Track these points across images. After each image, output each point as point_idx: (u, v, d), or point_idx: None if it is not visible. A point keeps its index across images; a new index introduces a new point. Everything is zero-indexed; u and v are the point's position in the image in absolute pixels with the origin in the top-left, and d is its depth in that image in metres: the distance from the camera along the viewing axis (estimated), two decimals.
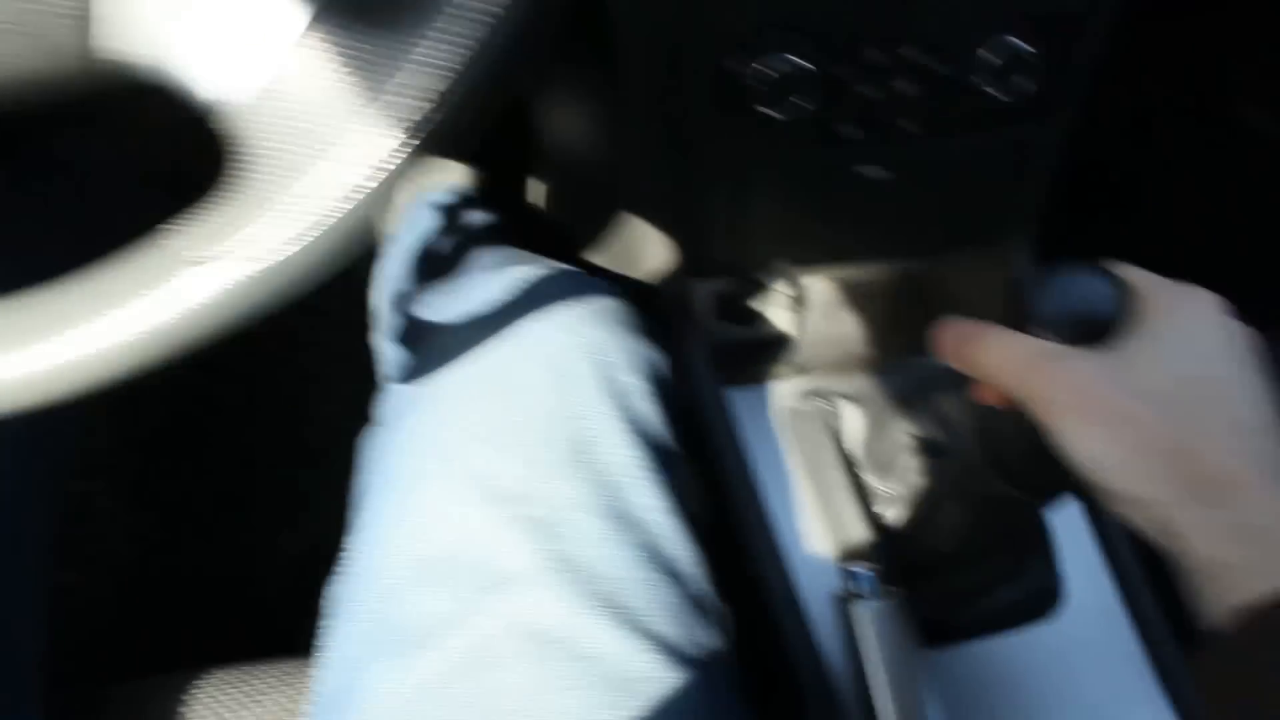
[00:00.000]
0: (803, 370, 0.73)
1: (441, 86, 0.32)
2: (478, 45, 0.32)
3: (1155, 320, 0.37)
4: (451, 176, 1.00)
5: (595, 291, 0.56)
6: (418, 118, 0.32)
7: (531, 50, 0.34)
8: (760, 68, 0.57)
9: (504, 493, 0.45)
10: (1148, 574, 0.64)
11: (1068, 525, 0.65)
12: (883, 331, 0.79)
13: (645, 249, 0.68)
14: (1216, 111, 1.22)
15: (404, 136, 0.32)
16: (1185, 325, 0.37)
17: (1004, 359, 0.40)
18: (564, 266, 0.66)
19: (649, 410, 0.51)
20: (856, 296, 0.81)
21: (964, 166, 0.66)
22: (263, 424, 0.86)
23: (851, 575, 0.54)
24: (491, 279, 0.58)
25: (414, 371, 0.54)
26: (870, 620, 0.52)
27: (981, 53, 0.58)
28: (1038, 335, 0.40)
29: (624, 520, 0.45)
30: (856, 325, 0.79)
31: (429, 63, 0.32)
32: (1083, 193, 1.20)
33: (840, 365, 0.72)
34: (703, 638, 0.46)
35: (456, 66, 0.32)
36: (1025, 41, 0.58)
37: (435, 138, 0.33)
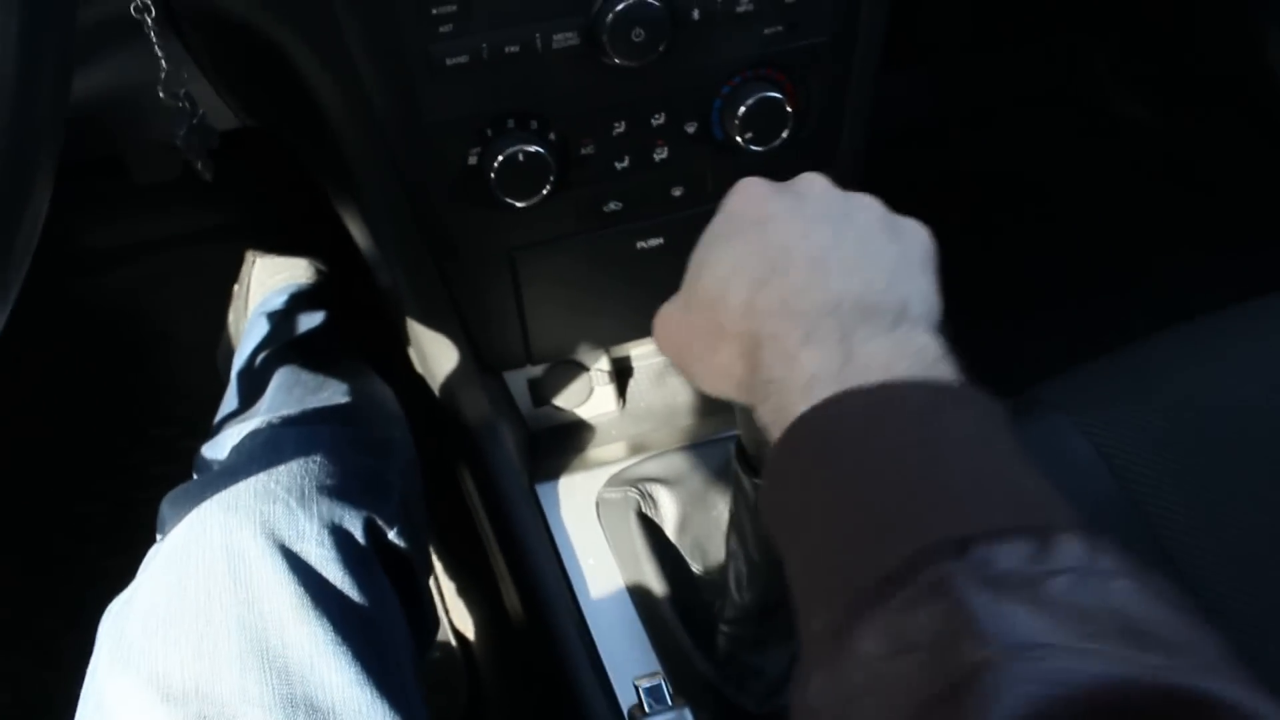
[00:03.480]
0: (633, 449, 0.70)
1: None
2: None
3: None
4: (294, 274, 0.97)
5: (306, 449, 0.53)
6: None
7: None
8: (501, 160, 0.54)
9: (176, 692, 0.43)
10: None
11: None
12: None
13: (441, 350, 0.66)
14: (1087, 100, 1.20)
15: None
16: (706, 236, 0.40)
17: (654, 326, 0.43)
18: (319, 405, 0.63)
19: (336, 577, 0.48)
20: None
21: None
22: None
23: (636, 690, 0.51)
24: (228, 435, 0.56)
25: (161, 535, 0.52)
26: None
27: (724, 103, 0.56)
28: None
29: (304, 707, 0.43)
30: (684, 391, 0.76)
31: None
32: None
33: (668, 439, 0.69)
34: None
35: None
36: (772, 89, 0.56)
37: None
